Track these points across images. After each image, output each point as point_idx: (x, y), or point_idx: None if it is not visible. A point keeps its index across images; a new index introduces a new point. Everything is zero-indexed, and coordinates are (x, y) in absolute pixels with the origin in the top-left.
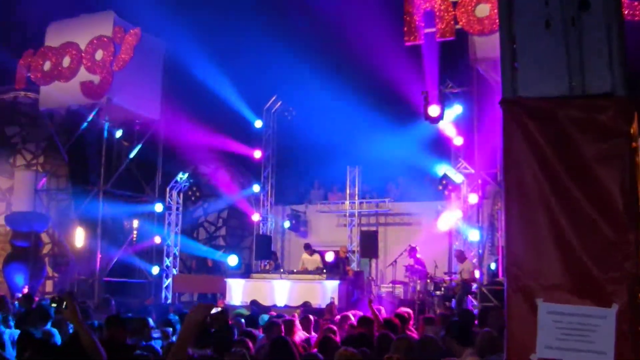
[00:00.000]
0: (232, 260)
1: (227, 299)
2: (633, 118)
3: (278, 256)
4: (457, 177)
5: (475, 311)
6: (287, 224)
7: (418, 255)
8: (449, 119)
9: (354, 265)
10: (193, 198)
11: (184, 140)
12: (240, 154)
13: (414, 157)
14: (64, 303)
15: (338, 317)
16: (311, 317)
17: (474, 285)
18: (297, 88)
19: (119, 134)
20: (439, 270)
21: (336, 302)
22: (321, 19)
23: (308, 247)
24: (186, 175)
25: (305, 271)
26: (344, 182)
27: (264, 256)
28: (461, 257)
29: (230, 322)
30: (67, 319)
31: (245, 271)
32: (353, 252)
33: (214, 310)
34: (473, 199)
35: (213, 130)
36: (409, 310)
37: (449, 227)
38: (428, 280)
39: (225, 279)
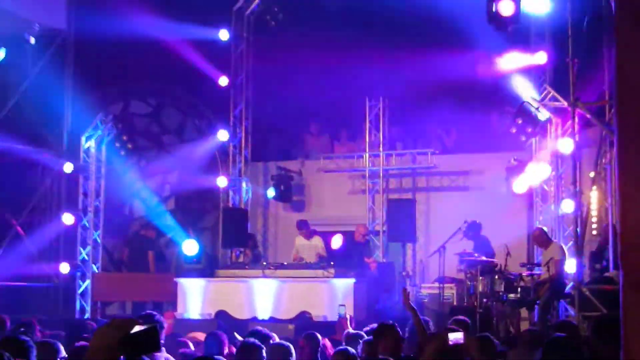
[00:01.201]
0: (188, 247)
1: (179, 310)
2: None
3: (259, 242)
4: (541, 114)
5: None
6: (271, 192)
7: (482, 235)
8: (527, 21)
9: (377, 255)
10: (123, 152)
11: (108, 61)
12: (197, 82)
13: (471, 82)
14: None
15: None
16: (318, 336)
17: (569, 285)
18: None
19: (2, 54)
20: (513, 261)
21: (350, 313)
22: None
23: (303, 226)
24: (111, 116)
25: (301, 264)
26: (361, 123)
27: (236, 242)
28: (543, 239)
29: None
30: None
31: (207, 266)
32: (377, 233)
33: (137, 329)
34: (566, 146)
35: (152, 46)
36: (464, 319)
37: (529, 191)
38: (496, 277)
39: (176, 279)
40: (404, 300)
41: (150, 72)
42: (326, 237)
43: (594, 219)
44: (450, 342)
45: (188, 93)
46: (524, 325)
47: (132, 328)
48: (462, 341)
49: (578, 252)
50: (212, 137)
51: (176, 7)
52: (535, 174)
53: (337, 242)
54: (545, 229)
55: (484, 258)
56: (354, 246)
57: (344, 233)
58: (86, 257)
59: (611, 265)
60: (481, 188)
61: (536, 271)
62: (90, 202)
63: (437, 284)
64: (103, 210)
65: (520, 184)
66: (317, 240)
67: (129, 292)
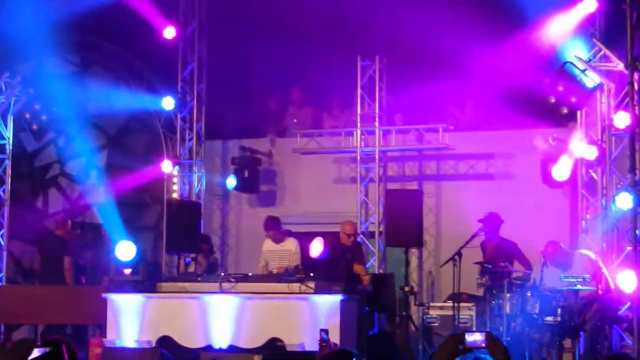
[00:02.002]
0: (124, 251)
1: (109, 336)
2: None
3: (215, 246)
4: (589, 78)
5: None
6: (231, 181)
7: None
8: None
9: (372, 264)
10: (35, 126)
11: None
12: (134, 34)
13: (495, 37)
14: None
15: None
16: None
17: (625, 306)
18: None
19: None
20: (553, 271)
21: (336, 341)
22: None
23: (273, 226)
24: (19, 77)
25: (272, 276)
26: (350, 90)
27: (184, 246)
28: (559, 255)
29: None
30: None
31: (146, 277)
32: (371, 235)
33: (36, 354)
34: (622, 120)
35: None
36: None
37: (572, 180)
38: (529, 294)
39: (105, 294)
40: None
41: (72, 19)
42: (303, 240)
43: None
44: (468, 344)
45: (122, 48)
46: (567, 359)
47: (29, 354)
48: (482, 344)
49: (638, 261)
50: (152, 105)
51: None
52: (580, 156)
53: (316, 248)
54: (562, 244)
55: (508, 266)
56: (341, 252)
57: (327, 235)
58: None
59: None
60: (509, 176)
61: (584, 285)
62: None
63: (450, 303)
64: (8, 203)
65: (561, 170)
66: (290, 244)
67: (41, 312)
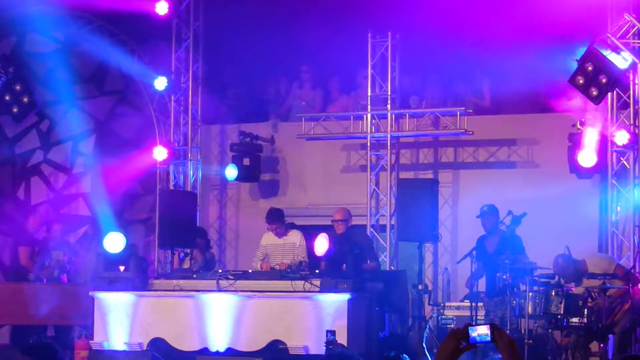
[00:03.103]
0: (113, 244)
1: (96, 338)
2: None
3: (212, 241)
4: (620, 58)
5: None
6: (231, 171)
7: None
8: None
9: (383, 259)
10: (15, 109)
11: None
12: (124, 8)
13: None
14: None
15: None
16: None
17: None
18: None
19: None
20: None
21: (343, 343)
22: None
23: (276, 219)
24: None
25: (274, 272)
26: (362, 72)
27: (179, 240)
28: (570, 269)
29: None
30: None
31: (137, 274)
32: (382, 228)
33: None
34: None
35: None
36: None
37: (602, 168)
38: (553, 293)
39: (92, 292)
40: None
41: None
42: (308, 235)
43: None
44: (472, 338)
45: (111, 24)
46: None
47: None
48: (488, 339)
49: None
50: (146, 84)
51: None
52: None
53: (321, 246)
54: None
55: (529, 262)
56: (349, 246)
57: (331, 229)
58: None
59: None
60: (533, 164)
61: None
62: None
63: (467, 303)
64: None
65: (588, 155)
66: (294, 237)
67: (19, 312)
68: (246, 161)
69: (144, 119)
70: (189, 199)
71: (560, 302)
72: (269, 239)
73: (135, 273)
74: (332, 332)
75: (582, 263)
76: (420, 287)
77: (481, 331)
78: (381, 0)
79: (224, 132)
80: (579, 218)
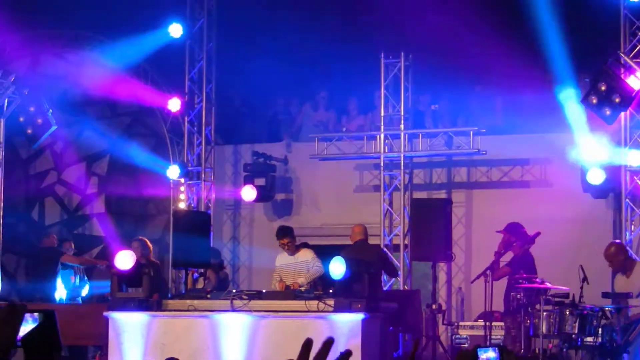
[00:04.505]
0: (123, 261)
1: (110, 358)
2: None
3: (225, 261)
4: (633, 78)
5: None
6: (248, 192)
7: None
8: None
9: (397, 280)
10: (29, 130)
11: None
12: (138, 29)
13: (531, 31)
14: None
15: None
16: None
17: None
18: None
19: None
20: (592, 290)
21: None
22: None
23: (285, 234)
24: (13, 77)
25: (287, 292)
26: (376, 92)
27: (193, 261)
28: (621, 258)
29: None
30: None
31: (150, 294)
32: (395, 248)
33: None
34: None
35: None
36: None
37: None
38: (567, 312)
39: (107, 313)
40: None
41: (70, 14)
42: (322, 254)
43: None
44: None
45: (125, 45)
46: None
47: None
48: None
49: None
50: (158, 104)
51: None
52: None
53: (337, 269)
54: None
55: (541, 282)
56: (365, 267)
57: (343, 249)
58: None
59: None
60: (546, 184)
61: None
62: None
63: (481, 322)
64: (0, 214)
65: (596, 173)
66: (305, 254)
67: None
68: (260, 181)
69: (157, 139)
70: (202, 219)
71: (575, 322)
72: (281, 259)
73: (150, 293)
74: (347, 353)
75: (631, 262)
76: (434, 306)
77: (490, 354)
78: (394, 21)
79: (237, 152)
80: (593, 238)
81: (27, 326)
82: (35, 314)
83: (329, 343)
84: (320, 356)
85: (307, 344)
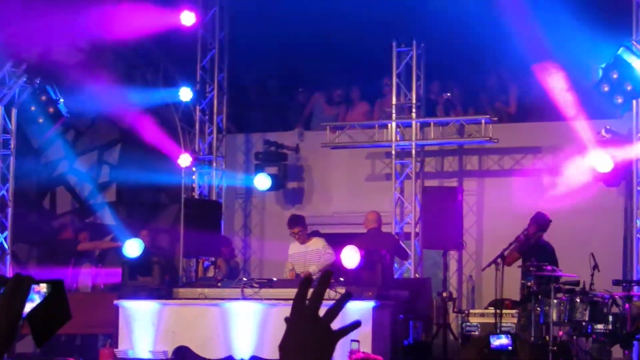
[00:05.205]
0: (132, 249)
1: (121, 347)
2: None
3: (236, 249)
4: None
5: None
6: (262, 181)
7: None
8: None
9: (408, 267)
10: (41, 119)
11: None
12: (150, 19)
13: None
14: None
15: None
16: None
17: None
18: None
19: None
20: (603, 278)
21: (367, 352)
22: None
23: (297, 222)
24: (24, 65)
25: (297, 280)
26: (385, 80)
27: (203, 249)
28: None
29: None
30: None
31: (162, 282)
32: (406, 235)
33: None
34: None
35: None
36: None
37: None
38: (578, 300)
39: (117, 301)
40: None
41: (83, 2)
42: (334, 243)
43: None
44: (493, 346)
45: (138, 34)
46: None
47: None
48: (509, 346)
49: None
50: (169, 96)
51: None
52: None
53: (351, 259)
54: None
55: (554, 269)
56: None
57: (356, 238)
58: None
59: None
60: (558, 172)
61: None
62: None
63: (492, 310)
64: (12, 204)
65: (606, 159)
66: (316, 243)
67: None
68: (271, 170)
69: (169, 128)
70: (213, 208)
71: (585, 309)
72: (293, 248)
73: (160, 281)
74: (357, 341)
75: None
76: (444, 294)
77: (503, 341)
78: (406, 9)
79: (249, 141)
80: (605, 225)
81: (34, 301)
82: (43, 287)
83: (328, 275)
84: (318, 293)
85: (306, 281)
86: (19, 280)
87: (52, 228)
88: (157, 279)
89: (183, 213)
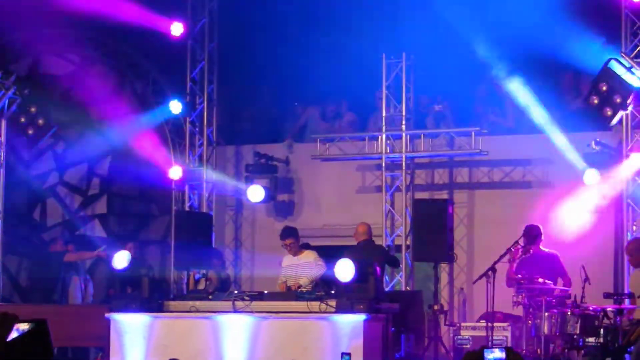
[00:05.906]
0: (120, 261)
1: (112, 359)
2: None
3: (227, 261)
4: (634, 78)
5: None
6: (255, 193)
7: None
8: None
9: (399, 279)
10: (31, 131)
11: None
12: (138, 30)
13: (530, 35)
14: None
15: None
16: None
17: None
18: None
19: None
20: (594, 290)
21: None
22: None
23: (289, 234)
24: (13, 77)
25: (288, 293)
26: (377, 93)
27: (194, 261)
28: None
29: None
30: None
31: (152, 295)
32: (397, 248)
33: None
34: None
35: None
36: None
37: (615, 183)
38: (569, 313)
39: (109, 314)
40: None
41: (71, 15)
42: (324, 255)
43: None
44: None
45: (125, 45)
46: None
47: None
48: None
49: None
50: (159, 109)
51: None
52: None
53: (346, 272)
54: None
55: (547, 283)
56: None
57: (346, 250)
58: None
59: None
60: (548, 184)
61: (628, 306)
62: None
63: (483, 323)
64: (1, 215)
65: (592, 173)
66: (308, 255)
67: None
68: (261, 182)
69: (159, 140)
70: (204, 220)
71: (576, 322)
72: (286, 260)
73: (151, 294)
74: (348, 354)
75: None
76: (436, 307)
77: (497, 354)
78: (395, 21)
79: (239, 153)
80: (594, 237)
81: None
82: (25, 325)
83: None
84: None
85: None
86: (2, 318)
87: (43, 240)
88: (146, 291)
89: (174, 225)
